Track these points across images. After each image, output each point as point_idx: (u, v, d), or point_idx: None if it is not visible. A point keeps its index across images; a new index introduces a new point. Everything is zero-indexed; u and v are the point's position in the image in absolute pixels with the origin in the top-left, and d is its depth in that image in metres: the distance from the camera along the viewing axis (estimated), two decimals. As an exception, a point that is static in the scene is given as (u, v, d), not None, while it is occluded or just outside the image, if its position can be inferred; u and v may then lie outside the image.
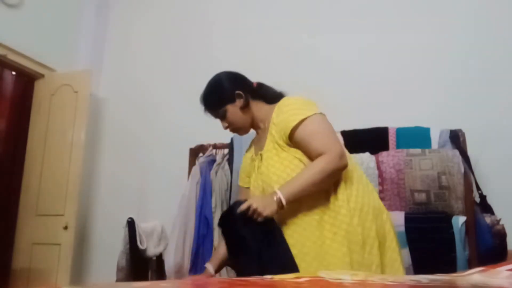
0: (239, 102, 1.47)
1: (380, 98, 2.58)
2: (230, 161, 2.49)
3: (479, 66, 2.47)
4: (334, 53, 2.77)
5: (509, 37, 2.45)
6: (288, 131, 1.33)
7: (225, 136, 2.56)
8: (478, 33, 2.51)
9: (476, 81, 2.46)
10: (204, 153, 2.63)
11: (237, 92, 1.47)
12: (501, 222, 1.95)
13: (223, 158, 2.54)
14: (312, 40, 2.85)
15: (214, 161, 2.56)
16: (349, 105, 2.63)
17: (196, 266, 2.33)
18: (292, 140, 1.34)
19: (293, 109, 1.37)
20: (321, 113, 1.37)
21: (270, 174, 1.36)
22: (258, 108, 1.50)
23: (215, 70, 3.31)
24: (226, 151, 2.58)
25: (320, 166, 1.26)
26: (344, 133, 2.40)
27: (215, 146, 2.63)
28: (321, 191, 1.30)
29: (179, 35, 3.31)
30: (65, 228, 2.95)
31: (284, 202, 1.23)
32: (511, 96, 2.38)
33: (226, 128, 1.53)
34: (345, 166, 1.29)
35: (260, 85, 1.58)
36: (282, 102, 1.43)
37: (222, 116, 1.50)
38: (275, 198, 1.23)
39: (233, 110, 1.48)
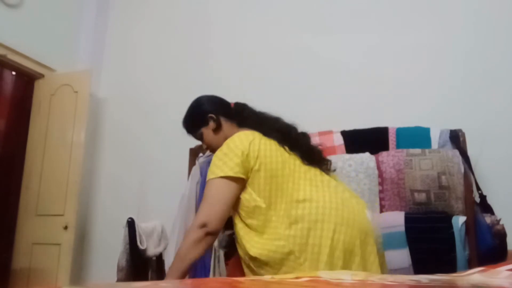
0: (211, 125, 1.57)
1: (380, 98, 2.58)
2: (230, 161, 2.48)
3: (479, 66, 2.47)
4: (334, 54, 2.77)
5: (509, 37, 2.45)
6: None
7: (225, 136, 2.56)
8: (478, 33, 2.51)
9: (476, 81, 2.46)
10: (204, 153, 2.63)
11: (209, 115, 1.57)
12: (501, 222, 1.95)
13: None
14: (312, 40, 2.85)
15: (214, 161, 2.56)
16: (349, 105, 2.63)
17: (196, 266, 2.33)
18: None
19: (213, 161, 1.42)
20: (226, 176, 1.35)
21: None
22: (229, 129, 1.56)
23: (215, 70, 3.33)
24: (226, 151, 2.58)
25: (178, 253, 1.37)
26: (344, 133, 2.40)
27: (215, 146, 2.63)
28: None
29: (179, 35, 3.31)
30: (65, 228, 2.95)
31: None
32: (511, 96, 2.38)
33: (206, 149, 1.64)
34: (205, 233, 1.33)
35: (239, 106, 1.63)
36: (222, 146, 1.45)
37: (199, 139, 1.62)
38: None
39: (207, 132, 1.58)
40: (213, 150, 1.55)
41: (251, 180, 1.38)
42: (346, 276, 0.81)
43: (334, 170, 1.59)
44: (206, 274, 2.28)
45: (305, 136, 1.57)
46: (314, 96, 2.75)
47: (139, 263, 2.48)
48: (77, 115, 3.15)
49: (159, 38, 3.38)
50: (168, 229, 2.59)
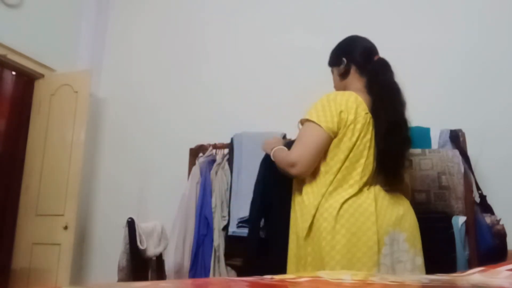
0: (341, 69, 1.55)
1: (380, 98, 2.58)
2: (230, 161, 2.49)
3: (480, 66, 2.47)
4: (334, 53, 2.77)
5: (509, 37, 2.45)
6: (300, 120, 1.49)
7: (225, 136, 2.56)
8: (478, 33, 2.51)
9: (476, 81, 2.46)
10: (204, 153, 2.63)
11: (342, 58, 1.55)
12: (501, 222, 1.95)
13: (223, 158, 2.55)
14: (310, 40, 2.84)
15: (214, 161, 2.56)
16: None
17: (196, 266, 2.33)
18: None
19: (315, 105, 1.45)
20: (320, 125, 1.37)
21: None
22: (352, 83, 1.50)
23: (215, 70, 3.33)
24: (226, 151, 2.59)
25: (278, 157, 1.46)
26: (344, 133, 2.39)
27: (215, 146, 2.63)
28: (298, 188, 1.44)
29: (178, 35, 3.31)
30: (65, 228, 2.95)
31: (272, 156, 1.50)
32: (511, 96, 2.38)
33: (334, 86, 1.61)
34: (292, 173, 1.39)
35: (379, 65, 1.54)
36: (325, 96, 1.47)
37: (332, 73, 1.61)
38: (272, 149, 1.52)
39: (335, 73, 1.59)
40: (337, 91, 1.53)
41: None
42: (346, 276, 0.81)
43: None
44: (206, 274, 2.28)
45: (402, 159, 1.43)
46: (313, 96, 2.74)
47: (139, 263, 2.48)
48: (77, 115, 3.15)
49: (159, 38, 3.38)
50: (168, 229, 2.59)
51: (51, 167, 3.13)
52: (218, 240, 2.34)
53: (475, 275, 0.82)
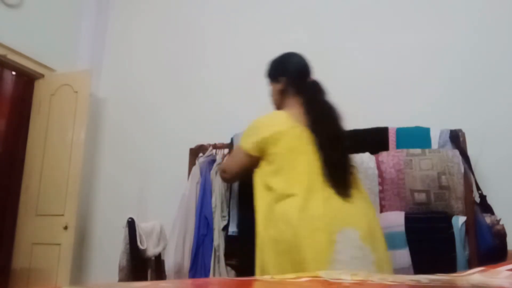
0: (279, 86, 1.72)
1: (380, 98, 2.58)
2: (230, 161, 2.48)
3: (479, 66, 2.47)
4: (333, 54, 2.77)
5: (510, 37, 2.45)
6: None
7: (225, 136, 2.56)
8: (478, 33, 2.51)
9: (476, 81, 2.45)
10: (204, 153, 2.63)
11: (280, 77, 1.71)
12: (501, 222, 1.94)
13: (223, 158, 2.54)
14: (310, 40, 2.84)
15: (214, 161, 2.56)
16: (349, 105, 2.59)
17: (196, 266, 2.33)
18: None
19: (245, 131, 1.71)
20: (244, 149, 1.65)
21: None
22: (289, 102, 1.67)
23: (215, 70, 3.32)
24: (226, 151, 2.58)
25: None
26: (344, 133, 2.39)
27: (215, 146, 2.63)
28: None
29: (178, 35, 3.31)
30: (65, 228, 2.95)
31: None
32: (511, 96, 2.38)
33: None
34: (222, 176, 1.87)
35: (314, 84, 1.70)
36: (254, 120, 1.69)
37: (268, 85, 1.79)
38: None
39: (274, 88, 1.75)
40: (274, 106, 1.74)
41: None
42: (346, 276, 0.81)
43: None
44: (206, 274, 2.28)
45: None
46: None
47: (139, 263, 2.48)
48: (77, 115, 3.15)
49: (158, 38, 3.38)
50: (168, 229, 2.59)
51: (51, 167, 3.13)
52: (218, 240, 2.33)
53: (475, 275, 0.82)
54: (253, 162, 1.62)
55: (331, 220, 1.40)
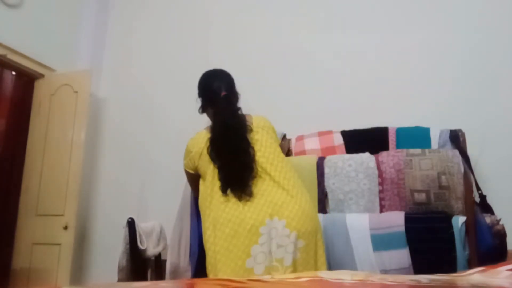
0: (201, 106, 2.01)
1: (380, 98, 2.58)
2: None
3: (479, 66, 2.47)
4: (333, 54, 2.77)
5: (510, 37, 2.45)
6: None
7: (225, 136, 2.56)
8: (478, 33, 2.51)
9: (476, 81, 2.45)
10: (204, 153, 2.62)
11: (199, 98, 2.02)
12: (501, 222, 1.94)
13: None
14: (312, 40, 2.85)
15: (214, 161, 2.55)
16: (349, 105, 2.63)
17: (196, 266, 2.32)
18: None
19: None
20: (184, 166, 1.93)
21: None
22: (210, 116, 1.98)
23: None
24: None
25: None
26: (344, 133, 2.40)
27: (215, 146, 2.62)
28: None
29: (178, 35, 3.31)
30: (65, 228, 2.95)
31: None
32: (511, 96, 2.38)
33: None
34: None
35: (222, 98, 1.91)
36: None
37: None
38: None
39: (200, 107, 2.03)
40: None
41: None
42: (346, 276, 0.81)
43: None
44: (206, 274, 2.27)
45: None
46: (314, 96, 2.75)
47: (139, 263, 2.48)
48: (77, 115, 3.15)
49: (159, 38, 3.38)
50: (167, 229, 2.59)
51: (51, 167, 3.13)
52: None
53: (475, 275, 0.82)
54: (196, 177, 1.87)
55: (252, 215, 1.58)
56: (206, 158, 1.76)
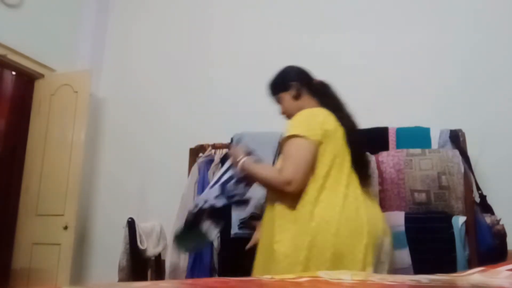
0: (292, 92, 1.64)
1: (380, 98, 2.58)
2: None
3: (479, 66, 2.47)
4: (334, 54, 2.77)
5: (509, 37, 2.45)
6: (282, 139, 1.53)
7: (225, 136, 2.56)
8: (478, 33, 2.51)
9: (476, 81, 2.46)
10: (204, 153, 2.63)
11: (291, 82, 1.65)
12: (501, 222, 1.95)
13: (221, 158, 2.54)
14: (311, 40, 2.85)
15: (212, 160, 2.56)
16: (349, 105, 2.62)
17: (195, 265, 2.32)
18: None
19: (294, 121, 1.49)
20: (307, 138, 1.42)
21: None
22: (307, 103, 1.61)
23: (214, 70, 3.32)
24: (225, 151, 2.58)
25: (265, 175, 1.48)
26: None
27: (214, 146, 2.63)
28: (289, 199, 1.42)
29: (178, 35, 3.31)
30: (65, 228, 2.94)
31: (239, 166, 1.54)
32: (511, 96, 2.38)
33: (282, 113, 1.69)
34: (287, 191, 1.39)
35: (322, 85, 1.69)
36: (301, 111, 1.53)
37: (277, 101, 1.70)
38: (240, 159, 1.55)
39: (287, 98, 1.65)
40: (288, 116, 1.62)
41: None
42: (346, 276, 0.81)
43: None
44: (206, 274, 2.28)
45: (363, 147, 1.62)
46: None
47: (139, 263, 2.48)
48: (77, 115, 3.15)
49: (159, 38, 3.38)
50: (167, 229, 2.59)
51: (51, 167, 3.13)
52: (217, 240, 2.33)
53: (475, 275, 0.82)
54: (317, 155, 1.42)
55: (371, 222, 1.39)
56: (341, 142, 1.47)
